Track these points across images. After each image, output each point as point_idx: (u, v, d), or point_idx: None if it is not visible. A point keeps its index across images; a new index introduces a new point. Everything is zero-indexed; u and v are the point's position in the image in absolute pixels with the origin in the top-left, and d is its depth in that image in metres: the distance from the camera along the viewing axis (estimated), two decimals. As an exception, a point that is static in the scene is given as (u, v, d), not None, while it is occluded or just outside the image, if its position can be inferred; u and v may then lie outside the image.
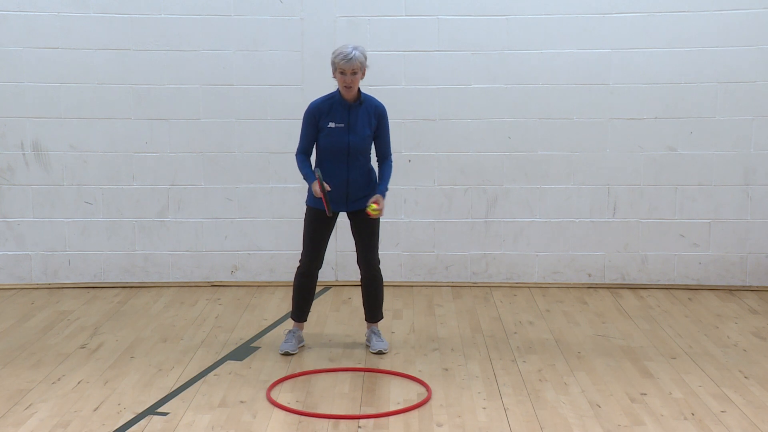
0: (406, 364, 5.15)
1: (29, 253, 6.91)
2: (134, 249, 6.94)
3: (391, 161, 5.28)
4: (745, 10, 6.60)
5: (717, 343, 5.55)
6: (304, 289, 5.36)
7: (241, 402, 4.56)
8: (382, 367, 5.09)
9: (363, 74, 5.10)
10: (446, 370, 5.07)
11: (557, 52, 6.73)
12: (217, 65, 6.74)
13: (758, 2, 6.59)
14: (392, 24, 6.74)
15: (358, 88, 5.14)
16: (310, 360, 5.23)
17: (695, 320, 6.07)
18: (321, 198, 5.00)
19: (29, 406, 4.50)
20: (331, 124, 5.12)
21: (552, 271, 6.97)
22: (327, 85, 6.74)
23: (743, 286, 6.87)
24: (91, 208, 6.89)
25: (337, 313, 6.23)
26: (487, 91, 6.80)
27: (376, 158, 5.32)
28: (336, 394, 4.69)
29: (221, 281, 6.97)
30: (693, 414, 4.41)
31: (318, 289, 6.74)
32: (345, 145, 5.11)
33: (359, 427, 4.25)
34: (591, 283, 6.95)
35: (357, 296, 6.65)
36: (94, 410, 4.45)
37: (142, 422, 4.30)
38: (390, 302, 6.49)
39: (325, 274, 6.87)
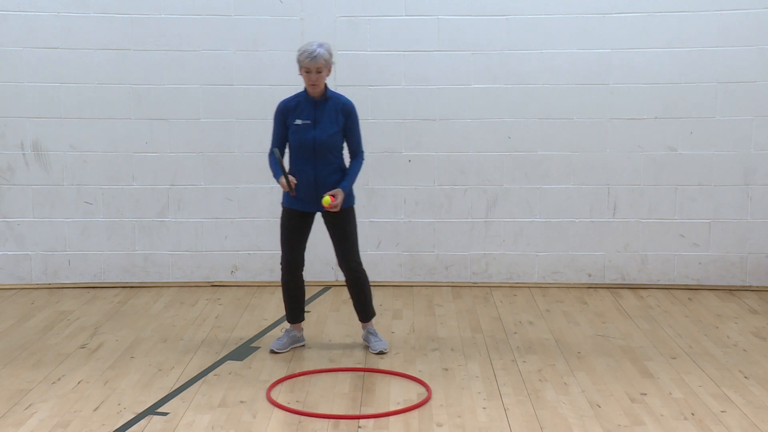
0: (406, 364, 5.15)
1: (29, 253, 6.92)
2: (134, 249, 6.94)
3: (363, 159, 5.29)
4: (745, 10, 6.60)
5: (717, 343, 5.55)
6: (291, 290, 5.34)
7: (241, 402, 4.56)
8: (381, 367, 5.09)
9: (329, 71, 5.10)
10: (446, 370, 5.07)
11: (557, 52, 6.73)
12: (217, 65, 6.74)
13: (758, 2, 6.59)
14: (392, 24, 6.74)
15: (325, 85, 5.14)
16: (310, 360, 5.23)
17: (695, 320, 6.07)
18: (292, 192, 5.03)
19: (29, 406, 4.50)
20: (298, 121, 5.12)
21: (552, 271, 6.97)
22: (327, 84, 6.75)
23: (743, 286, 6.87)
24: (91, 208, 6.89)
25: (337, 313, 6.23)
26: (487, 91, 6.80)
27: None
28: (336, 394, 4.69)
29: (221, 281, 6.97)
30: (693, 414, 4.41)
31: (318, 289, 6.78)
32: (311, 142, 5.10)
33: (359, 427, 4.25)
34: (591, 283, 6.95)
35: (357, 296, 6.67)
36: (94, 410, 4.45)
37: (142, 422, 4.30)
38: (390, 302, 6.49)
39: (324, 274, 6.88)
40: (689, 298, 6.63)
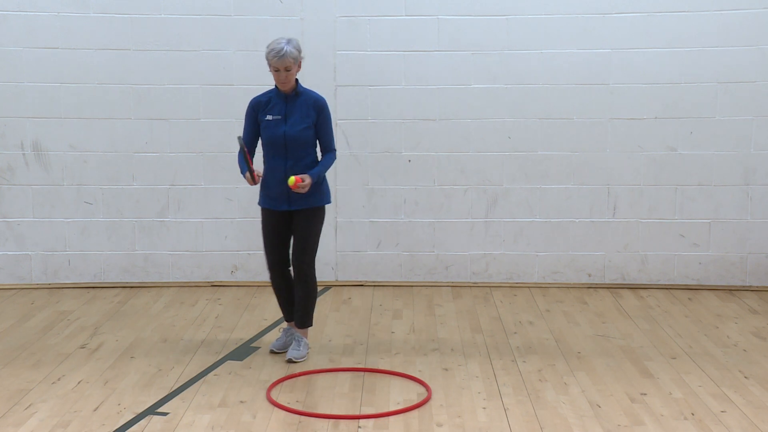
0: (405, 364, 5.15)
1: (29, 253, 6.92)
2: (134, 249, 6.94)
3: (335, 155, 5.22)
4: (745, 10, 6.60)
5: (717, 343, 5.55)
6: (281, 290, 5.30)
7: (241, 402, 4.56)
8: (381, 367, 5.09)
9: (299, 68, 5.06)
10: (446, 370, 5.07)
11: (557, 52, 6.74)
12: (217, 65, 6.74)
13: (758, 2, 6.59)
14: (392, 24, 6.74)
15: (296, 81, 5.10)
16: (310, 360, 5.23)
17: (695, 320, 6.07)
18: (252, 182, 5.00)
19: (29, 406, 4.50)
20: (269, 117, 5.10)
21: (552, 271, 6.97)
22: (327, 85, 6.76)
23: (743, 286, 6.87)
24: (91, 208, 6.89)
25: (337, 313, 6.24)
26: (487, 91, 6.80)
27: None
28: (336, 394, 4.69)
29: (221, 281, 6.97)
30: (693, 414, 4.41)
31: (318, 288, 6.76)
32: (281, 137, 5.07)
33: (359, 427, 4.25)
34: (591, 283, 6.95)
35: (357, 296, 6.66)
36: (94, 410, 4.45)
37: (142, 422, 4.30)
38: (390, 302, 6.50)
39: (325, 274, 6.87)
40: (689, 298, 6.63)
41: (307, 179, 4.98)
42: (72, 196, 6.87)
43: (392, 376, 4.96)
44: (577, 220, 6.91)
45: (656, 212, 6.87)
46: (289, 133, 5.07)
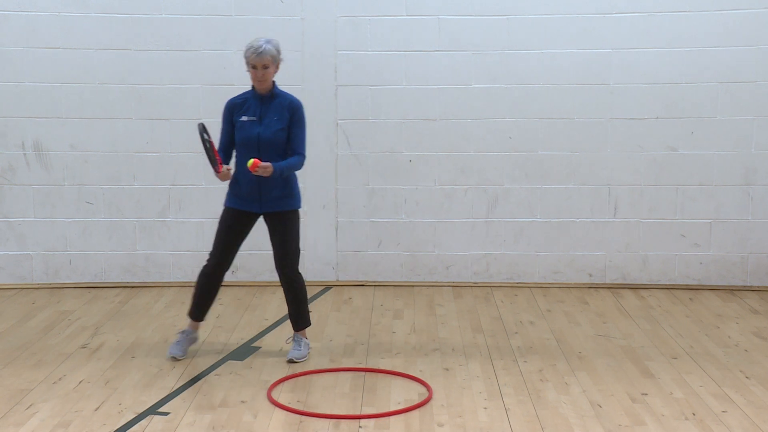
0: (406, 364, 5.15)
1: (30, 253, 6.92)
2: (135, 249, 6.94)
3: (302, 159, 5.04)
4: (745, 10, 6.60)
5: (718, 343, 5.55)
6: (207, 289, 5.21)
7: (242, 402, 4.56)
8: (382, 367, 5.09)
9: (276, 68, 5.03)
10: (447, 370, 5.07)
11: (558, 52, 6.74)
12: (218, 65, 6.74)
13: (758, 2, 6.59)
14: (393, 24, 6.74)
15: (273, 82, 5.06)
16: (310, 360, 5.23)
17: (696, 320, 6.07)
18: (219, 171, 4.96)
19: (30, 406, 4.50)
20: (244, 118, 5.04)
21: (553, 271, 6.97)
22: (328, 85, 6.77)
23: (744, 286, 6.87)
24: (92, 208, 6.90)
25: (337, 312, 6.24)
26: (488, 91, 6.80)
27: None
28: (337, 394, 4.69)
29: (222, 281, 6.95)
30: (694, 414, 4.41)
31: (318, 289, 6.78)
32: (255, 138, 5.01)
33: (360, 427, 4.25)
34: (592, 283, 6.95)
35: (358, 296, 6.67)
36: (95, 410, 4.45)
37: (143, 422, 4.30)
38: (391, 302, 6.50)
39: (325, 274, 6.88)
40: (690, 298, 6.63)
41: (270, 167, 4.84)
42: (73, 195, 6.87)
43: (393, 376, 4.96)
44: (577, 220, 6.92)
45: (657, 212, 6.87)
46: (263, 135, 5.01)
